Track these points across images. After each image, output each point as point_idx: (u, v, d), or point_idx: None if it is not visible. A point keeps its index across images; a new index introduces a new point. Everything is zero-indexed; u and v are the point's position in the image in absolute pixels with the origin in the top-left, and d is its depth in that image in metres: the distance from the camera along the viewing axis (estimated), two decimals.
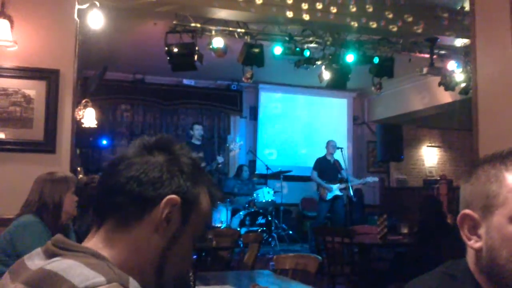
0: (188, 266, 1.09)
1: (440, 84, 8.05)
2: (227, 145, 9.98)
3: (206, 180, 1.09)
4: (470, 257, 1.19)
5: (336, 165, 9.53)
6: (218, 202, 1.15)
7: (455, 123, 9.10)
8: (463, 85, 7.92)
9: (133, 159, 1.03)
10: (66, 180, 3.24)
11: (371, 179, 10.22)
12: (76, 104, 5.79)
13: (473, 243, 1.15)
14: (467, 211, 1.16)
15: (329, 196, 9.30)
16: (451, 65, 7.85)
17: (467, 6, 5.65)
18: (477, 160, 1.24)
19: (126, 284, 0.89)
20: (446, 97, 9.41)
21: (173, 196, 1.01)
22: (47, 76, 4.66)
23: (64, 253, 0.94)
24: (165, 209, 1.01)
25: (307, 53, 7.64)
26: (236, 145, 9.76)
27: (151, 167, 1.02)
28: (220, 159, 8.89)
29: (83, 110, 7.33)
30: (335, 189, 9.32)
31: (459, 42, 7.31)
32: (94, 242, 1.01)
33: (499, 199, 1.12)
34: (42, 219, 3.08)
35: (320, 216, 9.46)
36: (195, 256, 5.47)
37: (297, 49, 7.52)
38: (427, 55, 7.67)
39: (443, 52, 7.93)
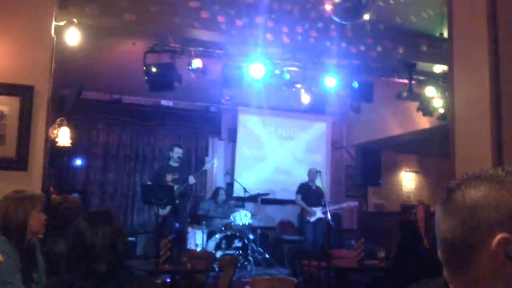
0: None
1: (418, 109, 8.09)
2: (203, 167, 9.79)
3: None
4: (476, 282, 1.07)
5: (318, 191, 9.75)
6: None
7: (433, 149, 9.12)
8: (441, 110, 7.95)
9: None
10: (32, 199, 3.15)
11: (353, 203, 10.40)
12: (51, 122, 5.69)
13: None
14: (504, 235, 1.03)
15: (313, 219, 9.49)
16: (430, 90, 7.89)
17: (445, 33, 5.71)
18: (464, 182, 1.13)
19: None
20: (424, 122, 9.47)
21: None
22: (21, 92, 4.57)
23: None
24: None
25: (286, 76, 7.64)
26: (209, 164, 9.65)
27: None
28: (191, 179, 8.69)
29: (58, 128, 7.22)
30: (318, 213, 9.49)
31: (438, 68, 7.37)
32: None
33: None
34: (9, 238, 2.99)
35: (308, 238, 9.51)
36: (168, 280, 5.35)
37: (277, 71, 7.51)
38: (406, 81, 7.72)
39: (421, 77, 8.00)
